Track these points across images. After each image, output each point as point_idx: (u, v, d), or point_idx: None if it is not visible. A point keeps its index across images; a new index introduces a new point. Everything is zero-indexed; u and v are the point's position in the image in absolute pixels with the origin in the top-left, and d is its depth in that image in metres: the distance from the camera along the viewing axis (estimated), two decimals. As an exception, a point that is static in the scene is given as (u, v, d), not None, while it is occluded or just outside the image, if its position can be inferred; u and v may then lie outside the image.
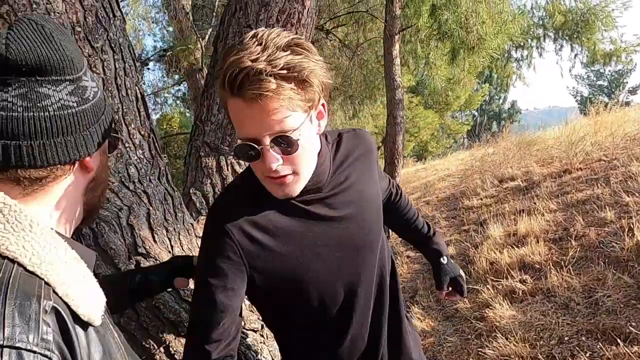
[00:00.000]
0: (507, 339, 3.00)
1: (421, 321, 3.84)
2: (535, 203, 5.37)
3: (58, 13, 1.46)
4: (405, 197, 1.56)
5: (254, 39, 0.88)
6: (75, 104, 0.73)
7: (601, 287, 3.19)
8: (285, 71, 0.85)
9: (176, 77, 12.95)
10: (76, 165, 0.77)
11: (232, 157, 2.12)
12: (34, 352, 0.59)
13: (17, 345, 0.58)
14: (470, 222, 6.20)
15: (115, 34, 1.63)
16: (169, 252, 1.65)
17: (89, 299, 0.72)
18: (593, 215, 4.29)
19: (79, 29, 1.51)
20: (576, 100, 38.85)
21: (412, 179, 12.75)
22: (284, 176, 0.95)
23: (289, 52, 0.87)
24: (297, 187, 0.99)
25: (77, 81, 0.74)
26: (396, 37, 7.08)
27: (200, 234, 1.81)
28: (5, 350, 0.56)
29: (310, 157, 0.99)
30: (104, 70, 1.57)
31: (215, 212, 1.09)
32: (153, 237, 1.61)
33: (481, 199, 7.09)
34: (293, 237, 1.05)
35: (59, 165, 0.73)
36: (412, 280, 4.88)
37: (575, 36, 6.71)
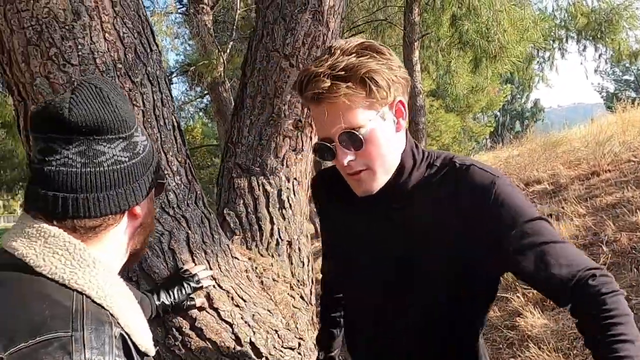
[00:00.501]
0: (539, 348, 2.98)
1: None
2: (563, 207, 5.30)
3: (101, 52, 1.56)
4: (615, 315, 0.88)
5: (327, 49, 0.99)
6: (127, 159, 0.81)
7: (635, 294, 3.14)
8: (343, 72, 0.93)
9: (198, 89, 13.22)
10: (125, 213, 0.84)
11: (263, 177, 2.19)
12: None
13: None
14: (496, 227, 6.14)
15: (153, 67, 1.72)
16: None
17: (143, 331, 0.81)
18: (624, 219, 4.22)
19: (120, 66, 1.60)
20: (602, 97, 37.95)
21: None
22: (359, 172, 1.00)
23: (353, 55, 0.95)
24: (374, 184, 1.02)
25: (129, 138, 0.82)
26: (415, 44, 7.11)
27: (236, 255, 1.88)
28: None
29: (385, 153, 1.01)
30: (143, 103, 1.66)
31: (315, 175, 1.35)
32: (193, 259, 1.69)
33: (507, 203, 7.01)
34: (355, 222, 1.14)
35: (110, 215, 0.80)
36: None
37: (599, 36, 6.61)
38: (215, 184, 2.35)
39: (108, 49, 1.57)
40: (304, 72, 0.98)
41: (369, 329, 1.20)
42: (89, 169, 0.76)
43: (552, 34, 6.67)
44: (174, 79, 12.05)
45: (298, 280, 2.07)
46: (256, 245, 2.09)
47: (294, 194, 2.25)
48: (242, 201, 2.16)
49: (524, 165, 8.92)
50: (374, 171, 1.01)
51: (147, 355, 0.81)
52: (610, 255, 3.74)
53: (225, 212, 2.15)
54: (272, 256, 2.08)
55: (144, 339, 0.80)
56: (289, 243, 2.14)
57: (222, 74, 8.24)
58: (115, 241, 0.84)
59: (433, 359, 1.15)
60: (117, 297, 0.78)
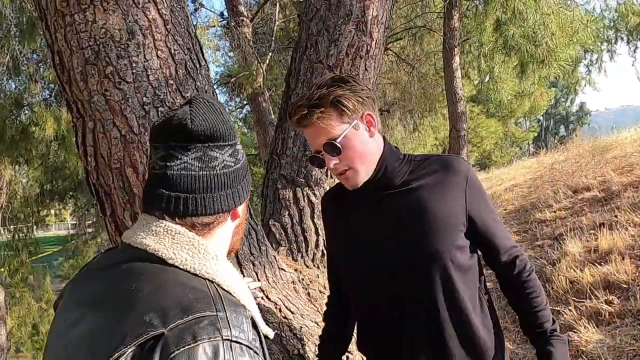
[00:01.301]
0: (595, 365, 2.84)
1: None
2: (616, 216, 5.06)
3: (154, 69, 1.61)
4: (530, 280, 1.36)
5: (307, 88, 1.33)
6: (233, 164, 0.91)
7: (700, 310, 2.95)
8: (317, 101, 1.23)
9: (238, 99, 13.47)
10: (230, 213, 0.93)
11: (307, 188, 2.19)
12: (250, 347, 0.76)
13: (240, 341, 0.75)
14: (544, 236, 5.93)
15: (202, 82, 1.76)
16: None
17: (259, 317, 0.89)
18: (684, 229, 3.98)
19: (172, 82, 1.64)
20: (653, 98, 36.16)
21: (476, 190, 12.32)
22: (344, 171, 1.29)
23: (324, 87, 1.25)
24: (358, 178, 1.30)
25: (235, 145, 0.92)
26: (456, 49, 7.00)
27: (283, 266, 1.88)
28: (234, 344, 0.74)
29: (362, 154, 1.28)
30: (193, 117, 1.69)
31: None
32: (242, 271, 1.71)
33: (554, 211, 6.75)
34: (352, 217, 1.40)
35: (221, 214, 0.90)
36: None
37: (652, 37, 6.30)
38: (260, 195, 2.38)
39: (160, 65, 1.62)
40: (290, 105, 1.30)
41: (380, 321, 1.37)
42: (205, 172, 0.86)
43: (600, 35, 6.41)
44: (216, 90, 12.33)
45: (344, 292, 2.05)
46: (302, 257, 2.09)
47: (339, 204, 2.24)
48: (287, 212, 2.17)
49: (571, 171, 8.59)
50: (355, 169, 1.29)
51: (268, 338, 0.89)
52: (671, 267, 3.53)
53: (270, 223, 2.17)
54: (318, 267, 2.08)
55: (262, 323, 0.88)
56: (335, 254, 2.13)
57: (262, 85, 8.36)
58: (222, 238, 0.94)
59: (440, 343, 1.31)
60: (240, 286, 0.88)
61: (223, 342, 0.72)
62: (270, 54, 9.23)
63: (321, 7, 2.25)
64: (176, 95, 1.65)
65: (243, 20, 8.50)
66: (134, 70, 1.58)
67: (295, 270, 1.95)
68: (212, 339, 0.72)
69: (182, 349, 0.69)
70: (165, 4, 1.64)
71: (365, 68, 2.25)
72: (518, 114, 16.18)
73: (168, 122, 0.86)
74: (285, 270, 1.88)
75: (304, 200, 2.18)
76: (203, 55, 1.83)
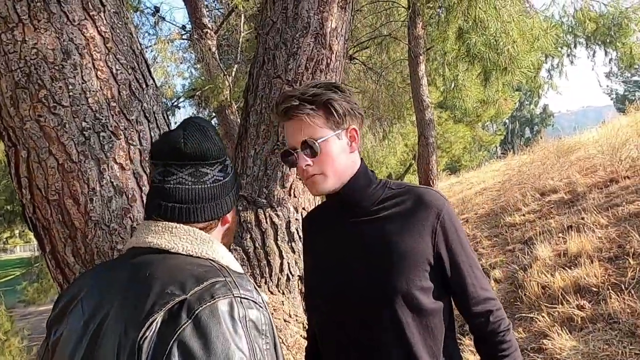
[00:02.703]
0: (570, 373, 2.82)
1: (474, 354, 3.66)
2: (583, 218, 5.13)
3: (93, 91, 1.48)
4: (504, 342, 1.23)
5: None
6: (222, 178, 1.04)
7: (669, 312, 2.97)
8: (310, 97, 1.19)
9: (205, 112, 13.25)
10: (220, 219, 1.06)
11: (270, 209, 2.09)
12: (256, 302, 0.89)
13: (248, 297, 0.88)
14: (514, 240, 5.97)
15: (149, 103, 1.64)
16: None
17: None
18: (649, 229, 4.04)
19: (114, 104, 1.52)
20: (611, 99, 37.58)
21: (447, 194, 12.43)
22: (313, 175, 1.23)
23: (320, 88, 1.22)
24: (325, 185, 1.25)
25: (224, 161, 1.06)
26: (421, 57, 7.04)
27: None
28: (244, 300, 0.87)
29: (336, 164, 1.23)
30: (140, 141, 1.58)
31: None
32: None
33: (523, 215, 6.83)
34: (325, 238, 1.35)
35: (212, 221, 1.03)
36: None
37: (609, 41, 6.47)
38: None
39: (101, 87, 1.50)
40: (281, 94, 1.26)
41: (347, 345, 1.26)
42: (197, 186, 1.00)
43: (560, 40, 6.54)
44: (181, 104, 12.10)
45: (311, 318, 1.95)
46: (265, 282, 1.98)
47: (303, 224, 2.15)
48: (249, 235, 2.06)
49: (538, 174, 8.74)
50: (326, 175, 1.23)
51: (266, 302, 0.98)
52: (638, 269, 3.57)
53: (231, 247, 2.05)
54: (283, 293, 1.97)
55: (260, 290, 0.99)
56: (300, 278, 2.03)
57: (229, 97, 8.22)
58: (216, 238, 1.07)
59: None
60: (235, 263, 1.02)
61: (235, 299, 0.85)
62: (236, 65, 9.10)
63: (278, 19, 2.16)
64: (120, 119, 1.53)
65: (207, 32, 8.35)
66: (71, 93, 1.45)
67: (259, 298, 1.84)
68: (226, 296, 0.85)
69: (204, 306, 0.83)
70: (105, 21, 1.52)
71: (325, 82, 2.17)
72: (484, 119, 16.45)
73: (164, 143, 1.01)
74: (247, 300, 1.76)
75: (267, 222, 2.08)
76: (150, 74, 1.72)
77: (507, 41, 4.22)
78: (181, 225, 0.99)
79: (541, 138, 14.63)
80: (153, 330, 0.81)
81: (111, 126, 1.50)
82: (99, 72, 1.50)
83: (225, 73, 8.01)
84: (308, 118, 1.20)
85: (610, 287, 3.50)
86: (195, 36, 7.77)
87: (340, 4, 2.19)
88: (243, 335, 0.84)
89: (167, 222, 0.99)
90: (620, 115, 12.99)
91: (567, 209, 6.04)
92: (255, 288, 0.93)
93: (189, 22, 8.65)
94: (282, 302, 1.91)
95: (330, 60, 2.18)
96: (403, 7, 7.43)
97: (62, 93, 1.44)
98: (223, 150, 1.04)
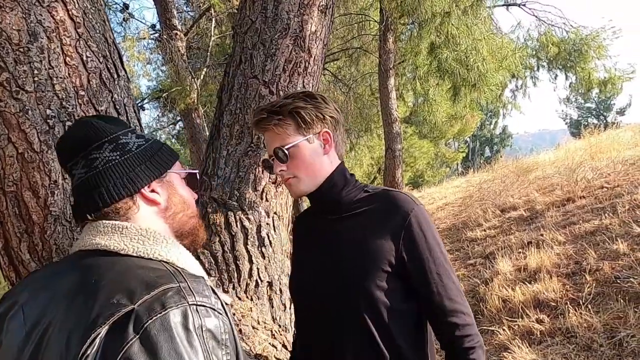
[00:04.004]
0: (530, 386, 2.85)
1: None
2: (542, 234, 5.28)
3: (61, 77, 1.40)
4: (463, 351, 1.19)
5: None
6: (118, 156, 0.97)
7: (624, 327, 3.07)
8: (277, 108, 1.26)
9: (171, 115, 12.96)
10: (137, 198, 0.98)
11: (241, 212, 2.03)
12: (214, 309, 0.82)
13: (204, 304, 0.81)
14: (476, 255, 6.08)
15: (120, 95, 1.56)
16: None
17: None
18: (604, 247, 4.20)
19: (83, 93, 1.44)
20: (566, 123, 39.34)
21: (410, 209, 12.56)
22: (288, 179, 1.29)
23: (290, 98, 1.29)
24: (301, 187, 1.30)
25: (116, 140, 0.98)
26: (391, 71, 7.13)
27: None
28: (200, 307, 0.80)
29: (309, 166, 1.28)
30: (108, 133, 1.49)
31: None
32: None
33: (484, 230, 6.99)
34: (309, 239, 1.41)
35: (119, 202, 0.95)
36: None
37: (569, 65, 6.77)
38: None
39: (69, 74, 1.41)
40: (254, 109, 1.39)
41: (322, 343, 1.28)
42: (90, 174, 0.96)
43: (524, 62, 6.81)
44: (146, 105, 11.80)
45: (280, 326, 1.89)
46: (233, 288, 1.91)
47: (274, 229, 2.09)
48: (217, 239, 1.99)
49: (499, 191, 8.98)
50: (299, 178, 1.29)
51: (227, 303, 0.93)
52: (594, 284, 3.69)
53: (199, 250, 1.97)
54: (251, 299, 1.91)
55: (219, 291, 0.94)
56: (270, 284, 1.97)
57: (196, 101, 8.07)
58: (151, 221, 0.98)
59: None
60: (192, 263, 0.96)
61: (190, 307, 0.79)
62: (205, 69, 8.97)
63: (257, 19, 2.12)
64: (88, 108, 1.45)
65: (177, 34, 8.19)
66: (36, 78, 1.36)
67: (226, 304, 1.76)
68: (179, 305, 0.78)
69: (154, 318, 0.75)
70: (77, 4, 1.44)
71: (303, 85, 2.13)
72: (448, 136, 16.86)
73: (57, 153, 1.02)
74: (214, 305, 1.69)
75: (237, 226, 2.01)
76: (123, 65, 1.64)
77: (477, 58, 4.34)
78: (132, 225, 0.94)
79: (501, 157, 15.15)
80: (96, 346, 0.74)
81: (78, 116, 1.42)
82: (67, 58, 1.41)
83: (194, 76, 7.87)
84: (276, 128, 1.27)
85: (568, 302, 3.60)
86: (165, 36, 7.60)
87: (321, 8, 2.17)
88: (199, 348, 0.78)
89: (117, 222, 0.93)
90: (574, 139, 13.63)
91: (527, 225, 6.22)
92: (215, 292, 0.88)
93: (159, 22, 8.47)
94: (251, 308, 1.84)
95: (309, 64, 2.16)
96: (375, 21, 7.53)
97: (26, 77, 1.34)
98: (110, 129, 0.99)
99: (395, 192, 1.31)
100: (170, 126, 14.17)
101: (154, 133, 12.86)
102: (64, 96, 1.39)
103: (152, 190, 1.00)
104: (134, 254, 0.90)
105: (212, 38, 8.85)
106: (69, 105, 1.40)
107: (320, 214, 1.36)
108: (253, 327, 1.73)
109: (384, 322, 1.20)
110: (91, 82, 1.46)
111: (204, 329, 0.79)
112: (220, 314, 0.84)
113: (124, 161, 0.97)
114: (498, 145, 42.71)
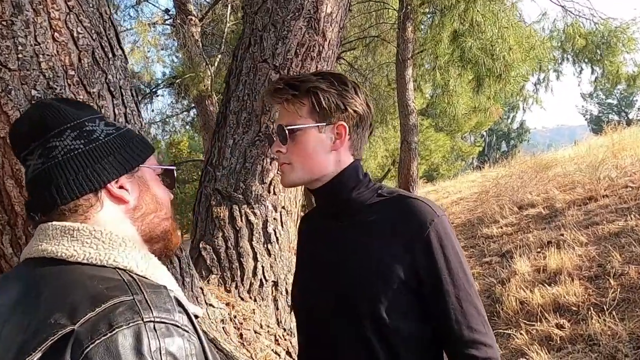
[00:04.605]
0: (549, 396, 2.70)
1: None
2: (562, 234, 5.07)
3: (48, 55, 1.27)
4: None
5: None
6: (82, 145, 0.84)
7: (651, 336, 2.89)
8: (296, 82, 1.10)
9: (185, 102, 12.90)
10: (101, 194, 0.85)
11: (246, 206, 1.90)
12: (178, 326, 0.70)
13: (164, 321, 0.68)
14: (492, 252, 5.90)
15: (115, 76, 1.43)
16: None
17: (183, 296, 0.83)
18: (630, 250, 3.99)
19: (72, 72, 1.31)
20: (586, 119, 38.56)
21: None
22: (283, 164, 1.15)
23: (318, 76, 1.12)
24: (292, 176, 1.15)
25: (80, 127, 0.85)
26: (409, 61, 6.92)
27: (211, 301, 1.57)
28: (158, 325, 0.67)
29: (308, 157, 1.12)
30: (101, 118, 1.36)
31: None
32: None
33: (501, 227, 6.79)
34: (314, 241, 1.25)
35: (79, 198, 0.82)
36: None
37: (597, 59, 6.48)
38: (192, 212, 2.05)
39: (57, 51, 1.28)
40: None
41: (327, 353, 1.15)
42: (47, 165, 0.82)
43: (549, 54, 6.54)
44: (160, 92, 11.74)
45: (284, 330, 1.76)
46: (236, 287, 1.78)
47: (282, 225, 1.96)
48: (221, 233, 1.86)
49: (516, 187, 8.73)
50: (293, 167, 1.14)
51: (197, 317, 0.84)
52: (619, 289, 3.50)
53: (201, 245, 1.85)
54: (255, 300, 1.78)
55: (188, 302, 0.81)
56: (275, 284, 1.85)
57: (209, 87, 7.97)
58: (112, 222, 0.85)
59: None
60: (155, 269, 0.83)
61: (145, 325, 0.67)
62: (219, 56, 8.84)
63: (268, -1, 1.97)
64: (78, 89, 1.32)
65: (191, 19, 8.08)
66: (20, 55, 1.23)
67: (227, 304, 1.64)
68: (131, 324, 0.66)
69: (97, 342, 0.63)
70: (68, -26, 1.31)
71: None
72: (465, 129, 16.54)
73: (11, 138, 0.89)
74: (214, 307, 1.57)
75: (242, 220, 1.88)
76: (120, 43, 1.50)
77: (503, 47, 4.11)
78: (84, 226, 0.80)
79: (519, 152, 14.81)
80: None
81: (67, 97, 1.29)
82: (56, 34, 1.28)
83: (208, 62, 7.75)
84: (287, 104, 1.13)
85: (590, 307, 3.42)
86: (179, 21, 7.48)
87: (338, -13, 2.01)
88: None
89: (67, 224, 0.80)
90: (594, 135, 13.23)
91: (546, 224, 6.01)
92: (181, 304, 0.75)
93: (173, 7, 8.36)
94: (254, 310, 1.71)
95: (323, 47, 2.00)
96: (394, 9, 7.31)
97: (9, 54, 1.22)
98: (73, 113, 0.86)
99: (413, 198, 1.13)
100: (184, 113, 14.12)
101: (168, 119, 12.82)
102: (51, 75, 1.27)
103: (121, 187, 0.87)
104: (85, 261, 0.76)
105: (228, 25, 8.70)
106: (57, 85, 1.27)
107: (326, 216, 1.21)
108: (255, 332, 1.61)
109: (393, 348, 1.05)
110: (82, 61, 1.33)
111: (162, 352, 0.66)
112: (186, 332, 0.71)
113: (89, 151, 0.84)
114: (515, 140, 42.06)
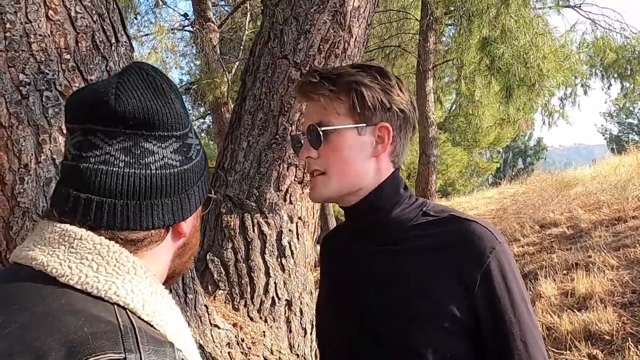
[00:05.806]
0: None
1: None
2: (590, 256, 4.80)
3: (40, 35, 1.11)
4: None
5: None
6: (178, 164, 0.68)
7: (697, 373, 2.63)
8: (334, 76, 0.94)
9: (201, 109, 12.87)
10: (170, 229, 0.70)
11: (259, 215, 1.72)
12: None
13: None
14: (513, 273, 5.63)
15: (118, 64, 1.28)
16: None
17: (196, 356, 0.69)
18: (667, 276, 3.72)
19: (68, 57, 1.15)
20: (605, 138, 37.95)
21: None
22: (315, 173, 0.98)
23: (357, 69, 0.96)
24: (325, 190, 0.98)
25: (183, 138, 0.68)
26: (429, 72, 6.76)
27: (217, 322, 1.39)
28: None
29: (345, 164, 0.96)
30: (99, 110, 1.20)
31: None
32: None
33: (522, 246, 6.52)
34: (341, 265, 1.06)
35: (154, 230, 0.67)
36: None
37: (627, 74, 6.23)
38: (201, 221, 1.88)
39: (51, 32, 1.13)
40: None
41: None
42: (133, 170, 0.64)
43: (578, 68, 6.32)
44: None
45: (298, 356, 1.57)
46: (245, 305, 1.60)
47: (298, 237, 1.78)
48: (231, 245, 1.69)
49: (537, 205, 8.45)
50: (328, 176, 0.97)
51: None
52: (657, 319, 3.24)
53: (208, 257, 1.68)
54: (266, 320, 1.59)
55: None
56: (288, 303, 1.66)
57: (226, 94, 7.88)
58: (155, 260, 0.69)
59: None
60: (168, 313, 0.65)
61: None
62: (237, 63, 8.77)
63: (291, -10, 1.82)
64: (73, 76, 1.16)
65: (210, 25, 8.03)
66: (8, 34, 1.08)
67: (235, 325, 1.46)
68: None
69: None
70: (67, -54, 1.16)
71: (340, 70, 1.82)
72: (483, 144, 16.26)
73: (86, 95, 0.64)
74: (219, 328, 1.38)
75: (254, 231, 1.70)
76: (125, 28, 1.35)
77: (537, 55, 3.90)
78: (91, 235, 0.61)
79: (537, 169, 14.48)
80: None
81: (60, 85, 1.13)
82: (51, 12, 1.13)
83: (225, 69, 7.67)
84: (324, 100, 0.95)
85: (627, 337, 3.16)
86: (197, 26, 7.43)
87: (367, -21, 1.85)
88: None
89: (69, 227, 0.62)
90: (614, 155, 12.88)
91: (571, 244, 5.73)
92: None
93: (192, 12, 8.33)
94: (264, 332, 1.52)
95: (348, 44, 1.84)
96: (416, 19, 7.16)
97: (-5, 32, 1.07)
98: (183, 119, 0.68)
99: (470, 220, 0.94)
100: (200, 120, 14.11)
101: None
102: (42, 58, 1.11)
103: None
104: (77, 285, 0.59)
105: (246, 32, 8.65)
106: (49, 70, 1.12)
107: (359, 238, 1.01)
108: (265, 358, 1.42)
109: None
110: (80, 45, 1.18)
111: None
112: None
113: (184, 173, 0.67)
114: (532, 158, 41.55)
